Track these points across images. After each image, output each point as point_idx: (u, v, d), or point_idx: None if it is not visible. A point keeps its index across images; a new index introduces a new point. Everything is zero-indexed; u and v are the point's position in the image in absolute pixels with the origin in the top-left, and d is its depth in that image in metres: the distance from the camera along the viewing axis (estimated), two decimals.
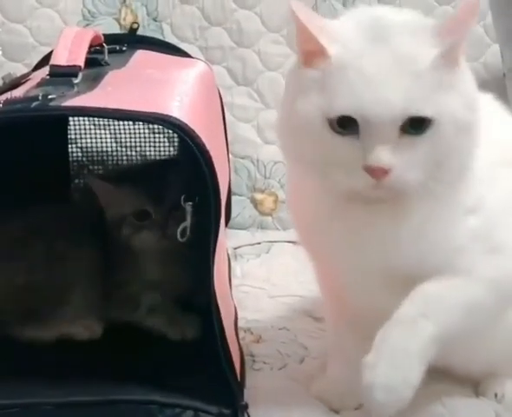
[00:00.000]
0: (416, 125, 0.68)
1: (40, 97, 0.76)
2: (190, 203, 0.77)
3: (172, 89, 0.86)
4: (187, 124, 0.72)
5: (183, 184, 0.89)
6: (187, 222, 0.76)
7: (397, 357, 0.72)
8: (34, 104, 0.74)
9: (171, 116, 0.73)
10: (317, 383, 0.86)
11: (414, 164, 0.68)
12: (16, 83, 0.97)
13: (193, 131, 0.72)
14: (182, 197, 0.77)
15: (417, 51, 0.68)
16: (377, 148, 0.67)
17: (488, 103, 0.81)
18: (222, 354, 0.76)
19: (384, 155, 0.67)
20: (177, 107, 0.77)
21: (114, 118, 0.91)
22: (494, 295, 0.75)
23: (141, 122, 1.22)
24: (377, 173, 0.68)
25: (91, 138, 1.27)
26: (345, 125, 0.68)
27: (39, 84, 0.84)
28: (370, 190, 0.69)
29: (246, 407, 0.77)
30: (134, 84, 0.89)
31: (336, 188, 0.71)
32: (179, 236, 0.76)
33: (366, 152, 0.68)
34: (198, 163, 0.72)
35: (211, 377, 0.77)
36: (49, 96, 0.76)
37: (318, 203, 0.75)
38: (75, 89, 0.82)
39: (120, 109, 0.73)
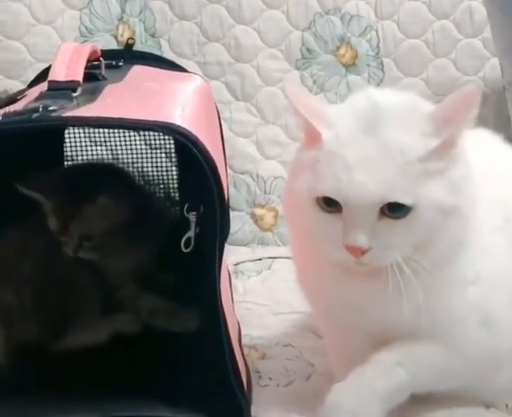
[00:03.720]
0: (394, 209, 0.71)
1: (40, 109, 0.74)
2: (194, 213, 0.75)
3: (173, 100, 0.85)
4: (191, 132, 0.71)
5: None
6: (192, 232, 0.75)
7: (364, 392, 0.77)
8: (35, 115, 0.72)
9: (175, 125, 0.72)
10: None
11: (392, 245, 0.72)
12: (11, 99, 0.96)
13: (199, 140, 0.71)
14: (185, 206, 0.75)
15: (407, 142, 0.72)
16: (355, 230, 0.72)
17: (487, 151, 0.84)
18: (230, 369, 0.74)
19: (360, 237, 0.71)
20: (180, 117, 0.76)
21: (118, 128, 0.90)
22: (473, 368, 0.78)
23: (139, 136, 1.23)
24: (355, 252, 0.72)
25: (87, 154, 1.26)
26: (331, 204, 0.73)
27: (38, 98, 0.83)
28: (353, 265, 0.73)
29: None
30: (133, 96, 0.88)
31: (328, 260, 0.75)
32: (183, 247, 0.75)
33: (346, 231, 0.72)
34: (203, 173, 0.70)
35: (219, 392, 0.75)
36: (50, 108, 0.75)
37: (320, 269, 0.78)
38: (75, 102, 0.81)
39: (124, 119, 0.72)
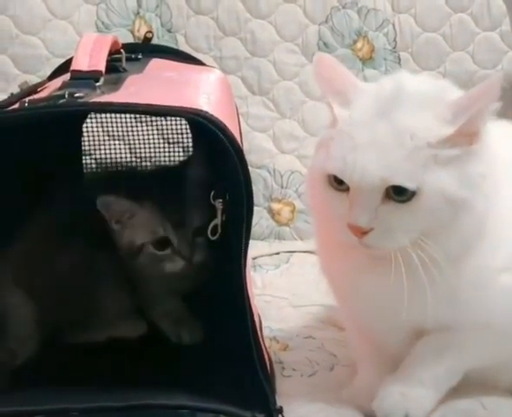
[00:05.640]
0: (399, 193, 0.71)
1: (66, 95, 0.74)
2: (220, 201, 0.75)
3: (196, 89, 0.85)
4: (219, 119, 0.71)
5: (204, 204, 0.82)
6: (218, 220, 0.74)
7: (414, 389, 0.77)
8: (61, 101, 0.72)
9: (203, 111, 0.71)
10: (348, 388, 0.84)
11: (394, 228, 0.71)
12: (32, 91, 0.95)
13: (227, 127, 0.71)
14: (211, 194, 0.75)
15: (420, 126, 0.71)
16: (358, 210, 0.71)
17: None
18: (256, 356, 0.74)
19: (361, 217, 0.71)
20: (206, 104, 0.76)
21: (144, 113, 0.89)
22: None
23: (157, 130, 1.23)
24: (356, 232, 0.71)
25: (105, 149, 1.26)
26: (341, 183, 0.73)
27: (61, 87, 0.83)
28: (358, 247, 0.72)
29: (280, 410, 0.74)
30: (157, 85, 0.87)
31: (337, 241, 0.75)
32: (209, 234, 0.74)
33: (350, 211, 0.72)
34: (230, 160, 0.70)
35: (243, 381, 0.75)
36: (76, 95, 0.75)
37: (343, 257, 0.77)
38: (98, 91, 0.80)
39: (150, 104, 0.71)
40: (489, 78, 0.72)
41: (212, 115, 0.71)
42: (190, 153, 1.23)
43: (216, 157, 0.74)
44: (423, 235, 0.71)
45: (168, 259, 0.87)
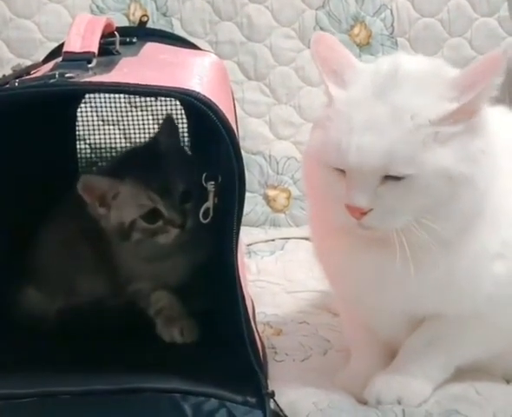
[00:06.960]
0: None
1: (57, 75, 0.73)
2: (212, 183, 0.74)
3: (190, 71, 0.84)
4: (211, 100, 0.70)
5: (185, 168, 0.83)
6: (210, 203, 0.74)
7: (407, 381, 0.77)
8: (51, 81, 0.71)
9: (195, 91, 0.70)
10: (341, 374, 0.84)
11: (395, 208, 0.70)
12: (25, 72, 0.95)
13: (219, 108, 0.70)
14: (203, 176, 0.74)
15: (421, 105, 0.69)
16: (356, 190, 0.70)
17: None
18: (248, 341, 0.73)
19: (361, 197, 0.69)
20: (198, 84, 0.75)
21: (134, 93, 0.89)
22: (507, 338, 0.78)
23: (152, 116, 1.23)
24: (355, 213, 0.70)
25: (99, 134, 1.25)
26: None
27: (53, 69, 0.82)
28: (356, 229, 0.71)
29: (272, 394, 0.74)
30: (150, 67, 0.87)
31: (334, 224, 0.73)
32: (201, 218, 0.74)
33: (348, 191, 0.70)
34: (222, 142, 0.69)
35: (235, 365, 0.74)
36: (66, 75, 0.74)
37: (337, 243, 0.76)
38: (90, 72, 0.80)
39: (141, 84, 0.71)
40: (491, 52, 0.71)
41: (203, 96, 0.70)
42: (184, 136, 1.24)
43: (207, 138, 0.73)
44: (423, 214, 0.70)
45: (161, 231, 0.86)
